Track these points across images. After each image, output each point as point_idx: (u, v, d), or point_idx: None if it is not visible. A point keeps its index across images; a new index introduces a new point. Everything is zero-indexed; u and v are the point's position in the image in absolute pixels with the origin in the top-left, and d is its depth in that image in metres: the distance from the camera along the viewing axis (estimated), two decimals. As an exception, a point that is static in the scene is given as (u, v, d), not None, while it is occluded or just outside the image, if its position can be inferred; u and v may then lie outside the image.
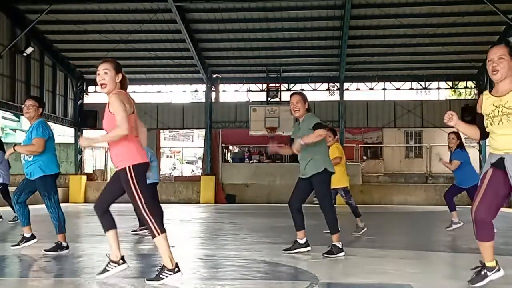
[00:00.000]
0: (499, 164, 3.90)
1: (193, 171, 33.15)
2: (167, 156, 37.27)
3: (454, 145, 8.74)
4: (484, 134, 4.07)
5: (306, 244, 6.09)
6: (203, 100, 22.15)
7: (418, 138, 26.71)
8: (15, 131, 32.45)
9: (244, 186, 21.12)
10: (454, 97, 26.94)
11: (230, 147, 25.27)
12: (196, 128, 28.48)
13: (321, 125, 5.86)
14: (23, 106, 6.25)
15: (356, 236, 7.97)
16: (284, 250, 6.14)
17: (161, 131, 25.67)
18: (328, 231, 6.07)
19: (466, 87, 22.43)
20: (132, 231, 8.40)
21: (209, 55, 20.04)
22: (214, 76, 21.11)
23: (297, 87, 20.66)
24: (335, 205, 6.31)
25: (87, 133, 22.54)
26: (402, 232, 10.04)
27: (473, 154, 18.01)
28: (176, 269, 4.23)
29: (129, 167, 4.24)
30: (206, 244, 7.42)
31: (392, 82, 21.05)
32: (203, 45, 19.29)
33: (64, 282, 4.59)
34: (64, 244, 5.98)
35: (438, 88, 21.84)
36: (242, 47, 19.39)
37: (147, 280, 4.28)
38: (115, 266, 4.40)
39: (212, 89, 21.40)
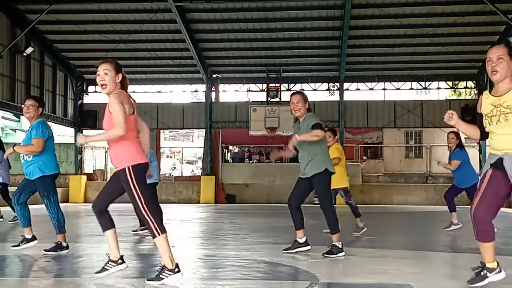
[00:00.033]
0: (498, 164, 3.90)
1: (193, 171, 33.16)
2: (167, 156, 37.28)
3: (454, 145, 8.73)
4: (485, 134, 4.06)
5: (305, 244, 6.09)
6: (203, 100, 22.16)
7: (418, 138, 26.71)
8: (15, 131, 32.46)
9: (244, 186, 21.12)
10: (454, 97, 26.94)
11: (230, 147, 25.27)
12: (196, 128, 28.48)
13: (320, 126, 5.85)
14: (23, 106, 6.25)
15: (356, 236, 7.97)
16: (284, 249, 6.14)
17: (161, 131, 25.69)
18: (327, 231, 6.07)
19: (466, 87, 22.43)
20: (132, 231, 8.40)
21: (209, 55, 20.04)
22: (214, 76, 21.11)
23: (297, 87, 20.65)
24: (335, 205, 6.31)
25: (86, 133, 22.56)
26: (402, 232, 10.04)
27: (473, 154, 18.02)
28: (176, 269, 4.23)
29: (128, 167, 4.25)
30: (206, 244, 7.42)
31: (392, 82, 21.05)
32: (203, 45, 19.29)
33: (64, 282, 4.59)
34: (64, 244, 5.99)
35: (438, 88, 21.84)
36: (242, 47, 19.39)
37: (147, 280, 4.28)
38: (114, 266, 4.42)
39: (212, 89, 21.40)
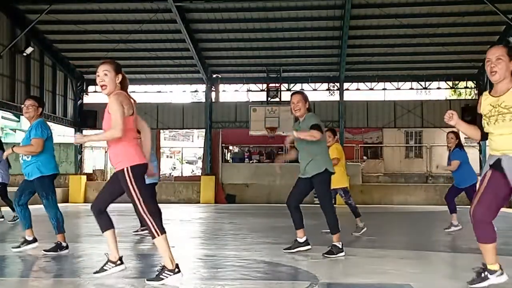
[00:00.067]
0: (497, 165, 3.89)
1: (193, 171, 33.15)
2: (167, 156, 37.27)
3: (453, 145, 8.73)
4: (485, 135, 4.05)
5: (306, 243, 6.09)
6: (203, 100, 22.16)
7: (418, 138, 26.71)
8: (15, 131, 32.44)
9: (244, 186, 21.12)
10: (454, 97, 26.94)
11: (230, 147, 25.27)
12: (196, 128, 28.48)
13: (319, 127, 5.83)
14: (22, 106, 6.24)
15: (356, 236, 7.97)
16: (285, 249, 6.14)
17: (161, 131, 25.68)
18: (326, 231, 6.07)
19: (466, 87, 22.44)
20: (133, 232, 8.40)
21: (209, 55, 20.04)
22: (214, 76, 21.11)
23: (297, 87, 20.65)
24: (335, 205, 6.31)
25: (86, 133, 22.55)
26: (402, 232, 10.04)
27: (473, 154, 18.04)
28: (176, 269, 4.23)
29: (127, 168, 4.25)
30: (206, 244, 7.42)
31: (392, 82, 21.05)
32: (203, 45, 19.29)
33: (64, 282, 4.58)
34: (64, 244, 5.98)
35: (438, 88, 21.84)
36: (242, 47, 19.39)
37: (147, 280, 4.28)
38: (113, 266, 4.41)
39: (212, 89, 21.40)
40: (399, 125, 21.55)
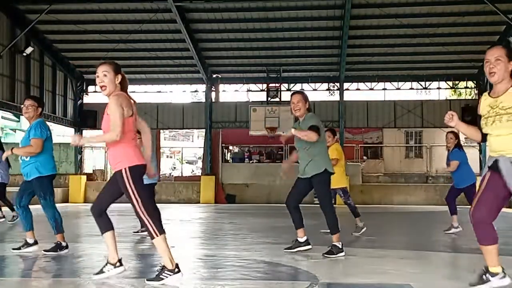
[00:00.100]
0: (495, 166, 3.88)
1: (193, 171, 33.15)
2: (167, 156, 37.27)
3: (452, 145, 8.72)
4: (485, 136, 4.04)
5: (306, 243, 6.08)
6: (203, 100, 22.16)
7: (418, 138, 26.71)
8: (15, 131, 32.46)
9: (244, 186, 21.12)
10: (454, 97, 26.94)
11: (230, 147, 25.27)
12: (196, 128, 28.48)
13: (317, 128, 5.82)
14: (22, 106, 6.23)
15: (356, 236, 7.97)
16: (285, 249, 6.14)
17: (161, 131, 25.68)
18: (325, 231, 6.06)
19: (466, 87, 22.44)
20: (133, 232, 8.40)
21: (209, 55, 20.04)
22: (214, 76, 21.12)
23: (297, 87, 20.66)
24: (334, 205, 6.30)
25: (86, 133, 22.54)
26: (402, 232, 10.04)
27: (473, 154, 18.04)
28: (176, 269, 4.24)
29: (125, 169, 4.25)
30: (206, 244, 7.42)
31: (392, 82, 21.05)
32: (203, 45, 19.29)
33: (64, 282, 4.58)
34: (64, 243, 5.98)
35: (438, 88, 21.85)
36: (242, 47, 19.39)
37: (147, 280, 4.28)
38: (112, 268, 4.39)
39: (212, 89, 21.41)
40: (399, 125, 21.55)
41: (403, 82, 21.01)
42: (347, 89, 20.88)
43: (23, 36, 17.47)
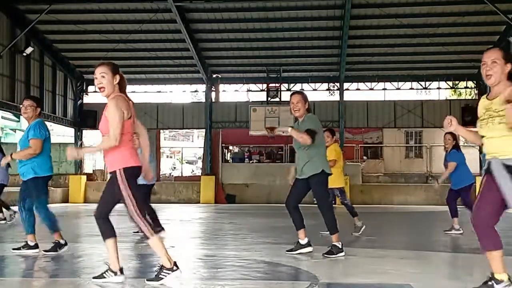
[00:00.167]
0: (489, 169, 3.87)
1: (193, 171, 33.15)
2: (167, 156, 37.27)
3: (450, 146, 8.72)
4: None
5: (307, 245, 6.06)
6: (203, 100, 22.16)
7: (418, 138, 26.70)
8: (15, 131, 32.45)
9: (244, 186, 21.11)
10: (454, 97, 26.94)
11: (230, 147, 25.27)
12: (196, 128, 28.49)
13: (312, 132, 5.82)
14: (21, 106, 6.22)
15: (356, 236, 7.97)
16: (287, 250, 6.12)
17: (161, 131, 25.67)
18: (324, 232, 6.06)
19: (466, 87, 22.44)
20: (134, 232, 8.39)
21: (209, 55, 20.04)
22: (214, 76, 21.12)
23: (297, 87, 20.66)
24: (334, 206, 6.30)
25: (86, 133, 22.56)
26: (402, 232, 10.04)
27: (473, 154, 18.05)
28: (175, 267, 4.24)
29: (120, 170, 4.25)
30: (206, 244, 7.42)
31: (392, 82, 21.06)
32: (203, 45, 19.29)
33: (64, 282, 4.58)
34: (62, 241, 5.94)
35: (438, 88, 21.85)
36: (242, 47, 19.39)
37: (147, 280, 4.28)
38: (112, 276, 4.34)
39: (212, 89, 21.41)
40: (399, 125, 21.55)
41: (403, 82, 21.01)
42: (347, 89, 20.88)
43: (23, 36, 17.47)
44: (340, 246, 5.83)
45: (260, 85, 21.39)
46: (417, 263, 5.62)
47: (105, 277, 4.34)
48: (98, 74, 4.34)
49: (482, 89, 19.29)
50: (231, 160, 24.11)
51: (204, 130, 22.31)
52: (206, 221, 12.19)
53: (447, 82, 21.55)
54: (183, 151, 34.14)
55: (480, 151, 19.71)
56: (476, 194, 4.00)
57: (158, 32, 18.48)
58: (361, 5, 16.56)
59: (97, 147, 4.34)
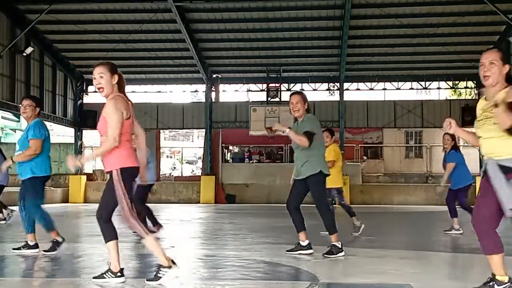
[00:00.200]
0: (485, 171, 3.87)
1: (193, 171, 33.15)
2: (167, 156, 37.27)
3: (449, 146, 8.74)
4: None
5: (308, 247, 6.04)
6: (203, 100, 22.16)
7: (418, 138, 26.70)
8: (15, 131, 32.45)
9: (244, 186, 21.11)
10: (454, 97, 26.94)
11: (230, 147, 25.27)
12: (196, 128, 28.49)
13: (309, 134, 5.83)
14: (20, 105, 6.21)
15: (356, 236, 7.97)
16: (287, 250, 6.12)
17: (161, 131, 25.67)
18: (324, 232, 6.06)
19: (466, 87, 22.44)
20: (134, 232, 8.38)
21: (209, 55, 20.04)
22: (214, 76, 21.12)
23: (297, 87, 20.66)
24: (334, 206, 6.29)
25: (86, 133, 22.54)
26: (402, 232, 10.04)
27: (473, 154, 18.03)
28: (172, 264, 4.23)
29: (117, 170, 4.24)
30: (206, 244, 7.42)
31: (392, 82, 21.06)
32: (203, 45, 19.29)
33: (64, 282, 4.59)
34: (59, 239, 5.92)
35: (438, 88, 21.85)
36: (242, 47, 19.39)
37: (146, 280, 4.28)
38: (113, 277, 4.34)
39: (212, 89, 21.41)
40: (399, 125, 21.56)
41: (403, 82, 21.02)
42: (347, 89, 20.88)
43: (23, 36, 17.47)
44: (339, 246, 5.83)
45: (260, 85, 21.39)
46: (417, 263, 5.62)
47: (105, 278, 4.34)
48: (96, 74, 4.34)
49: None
50: (231, 160, 24.11)
51: (204, 130, 22.31)
52: (206, 221, 12.19)
53: (447, 82, 21.55)
54: (183, 151, 34.14)
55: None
56: (476, 194, 4.00)
57: (158, 32, 18.48)
58: (361, 5, 16.56)
59: (96, 152, 4.32)
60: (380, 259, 5.85)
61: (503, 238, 3.84)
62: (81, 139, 21.84)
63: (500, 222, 3.83)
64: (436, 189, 19.88)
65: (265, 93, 21.15)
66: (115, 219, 4.54)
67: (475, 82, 20.84)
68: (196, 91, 24.15)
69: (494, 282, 3.81)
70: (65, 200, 20.03)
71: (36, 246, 6.06)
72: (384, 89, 21.48)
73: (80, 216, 13.52)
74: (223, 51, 19.76)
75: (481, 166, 3.99)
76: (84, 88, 21.69)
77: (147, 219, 7.90)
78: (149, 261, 5.72)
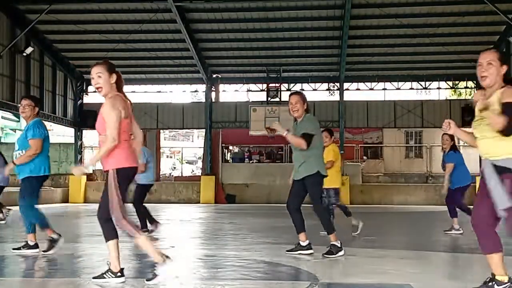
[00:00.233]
0: (482, 172, 3.88)
1: (193, 171, 33.15)
2: (167, 156, 37.26)
3: (448, 147, 8.74)
4: None
5: (308, 247, 6.04)
6: (203, 100, 22.16)
7: (418, 138, 26.70)
8: (15, 131, 32.45)
9: (244, 186, 21.11)
10: (454, 97, 26.93)
11: (230, 147, 25.27)
12: (196, 128, 28.49)
13: (308, 136, 5.83)
14: (19, 105, 6.20)
15: (356, 235, 7.96)
16: (287, 250, 6.12)
17: (161, 131, 25.68)
18: (324, 232, 6.07)
19: (466, 87, 22.43)
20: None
21: (209, 55, 20.04)
22: (214, 76, 21.12)
23: (297, 87, 20.66)
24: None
25: (86, 133, 22.53)
26: (402, 232, 10.04)
27: (473, 154, 18.00)
28: (166, 259, 4.21)
29: (113, 170, 4.24)
30: (206, 244, 7.42)
31: (392, 82, 21.06)
32: (203, 45, 19.29)
33: (64, 282, 4.58)
34: (55, 236, 5.89)
35: (438, 88, 21.85)
36: (242, 47, 19.40)
37: (146, 280, 4.27)
38: (113, 277, 4.33)
39: (212, 89, 21.41)
40: (399, 125, 21.56)
41: (403, 82, 21.02)
42: (347, 89, 20.88)
43: (23, 36, 17.47)
44: (339, 245, 5.83)
45: (260, 85, 21.39)
46: (417, 263, 5.62)
47: (105, 278, 4.34)
48: (94, 74, 4.33)
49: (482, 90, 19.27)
50: (231, 160, 24.11)
51: (204, 130, 22.31)
52: (206, 221, 12.19)
53: (447, 82, 21.55)
54: (183, 151, 34.14)
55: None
56: (476, 194, 4.00)
57: (158, 32, 18.48)
58: (361, 5, 16.56)
59: (98, 155, 4.29)
60: (380, 259, 5.85)
61: (503, 238, 3.84)
62: (81, 139, 21.84)
63: (499, 221, 3.83)
64: (436, 189, 19.88)
65: (265, 93, 21.15)
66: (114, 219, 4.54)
67: (475, 82, 20.82)
68: (196, 91, 24.15)
69: (494, 282, 3.81)
70: (65, 200, 20.03)
71: (36, 246, 6.05)
72: (384, 89, 21.49)
73: (80, 216, 13.52)
74: (223, 51, 19.76)
75: (481, 166, 3.99)
76: (84, 88, 21.69)
77: (144, 218, 7.92)
78: (149, 261, 5.72)
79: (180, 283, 4.29)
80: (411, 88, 21.41)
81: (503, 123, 3.57)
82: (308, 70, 20.88)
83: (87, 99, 21.92)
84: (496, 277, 3.79)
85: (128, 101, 4.40)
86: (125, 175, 4.28)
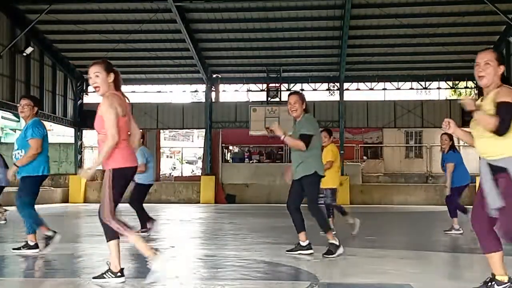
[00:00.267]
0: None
1: (193, 171, 33.14)
2: (167, 156, 37.25)
3: (447, 147, 8.74)
4: None
5: (308, 247, 6.05)
6: (203, 100, 22.15)
7: (418, 138, 26.70)
8: (15, 131, 32.43)
9: (244, 186, 21.11)
10: (454, 97, 26.90)
11: (230, 147, 25.27)
12: (196, 128, 28.48)
13: (306, 137, 5.84)
14: (18, 105, 6.20)
15: (355, 235, 7.96)
16: (287, 250, 6.12)
17: (161, 131, 25.68)
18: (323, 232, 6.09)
19: (466, 87, 22.40)
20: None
21: (209, 55, 20.03)
22: (214, 76, 21.11)
23: (297, 87, 20.65)
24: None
25: (86, 133, 22.52)
26: (402, 232, 10.04)
27: (473, 154, 18.03)
28: (157, 253, 4.19)
29: (110, 170, 4.24)
30: (206, 244, 7.42)
31: (392, 82, 21.05)
32: (203, 45, 19.29)
33: (64, 282, 4.59)
34: (50, 233, 5.89)
35: (438, 88, 21.84)
36: (242, 47, 19.39)
37: (146, 280, 4.26)
38: (113, 277, 4.33)
39: (212, 89, 21.40)
40: (399, 125, 21.55)
41: (403, 82, 21.01)
42: (347, 89, 20.87)
43: (23, 36, 17.46)
44: (337, 243, 5.83)
45: (260, 85, 21.38)
46: (417, 263, 5.62)
47: (105, 278, 4.33)
48: (92, 73, 4.33)
49: (482, 89, 19.27)
50: (231, 160, 24.12)
51: (204, 130, 22.31)
52: (206, 221, 12.19)
53: (447, 82, 21.55)
54: (183, 151, 34.13)
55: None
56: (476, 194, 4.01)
57: (158, 32, 18.48)
58: (361, 5, 16.56)
59: (101, 156, 4.26)
60: (380, 259, 5.85)
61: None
62: (81, 139, 21.83)
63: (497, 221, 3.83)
64: (436, 189, 19.88)
65: (265, 93, 21.14)
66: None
67: (475, 82, 20.82)
68: (196, 91, 24.14)
69: (494, 282, 3.81)
70: (65, 200, 20.03)
71: (36, 246, 6.06)
72: (384, 89, 21.48)
73: (80, 216, 13.52)
74: (223, 51, 19.75)
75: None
76: (84, 88, 21.67)
77: (142, 217, 7.93)
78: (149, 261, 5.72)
79: (180, 283, 4.29)
80: (411, 88, 21.40)
81: (494, 123, 3.58)
82: (308, 70, 20.87)
83: (87, 99, 21.90)
84: (496, 277, 3.79)
85: (126, 100, 4.39)
86: (122, 175, 4.27)
